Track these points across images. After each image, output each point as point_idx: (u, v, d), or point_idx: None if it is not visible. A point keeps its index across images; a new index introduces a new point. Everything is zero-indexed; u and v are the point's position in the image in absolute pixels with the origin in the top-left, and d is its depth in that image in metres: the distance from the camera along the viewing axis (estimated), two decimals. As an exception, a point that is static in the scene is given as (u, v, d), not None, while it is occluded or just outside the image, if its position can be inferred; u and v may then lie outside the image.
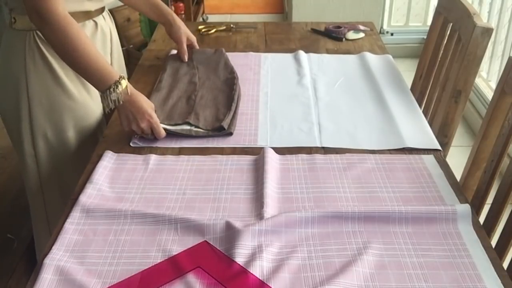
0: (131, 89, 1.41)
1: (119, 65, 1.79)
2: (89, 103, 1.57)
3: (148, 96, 1.63)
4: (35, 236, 1.76)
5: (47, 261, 1.04)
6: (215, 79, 1.74)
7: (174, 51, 1.94)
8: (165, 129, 1.46)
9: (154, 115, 1.42)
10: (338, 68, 1.87)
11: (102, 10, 1.62)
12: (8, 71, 1.52)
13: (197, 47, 1.93)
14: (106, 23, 1.65)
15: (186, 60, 1.86)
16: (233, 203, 1.22)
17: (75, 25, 1.36)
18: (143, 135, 1.43)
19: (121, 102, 1.39)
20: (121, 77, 1.39)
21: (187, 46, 1.88)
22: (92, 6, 1.52)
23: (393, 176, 1.31)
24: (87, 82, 1.48)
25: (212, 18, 4.92)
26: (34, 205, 1.69)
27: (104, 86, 1.38)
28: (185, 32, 1.87)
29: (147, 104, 1.43)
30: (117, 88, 1.37)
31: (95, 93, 1.52)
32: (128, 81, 1.73)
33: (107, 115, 1.59)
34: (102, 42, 1.63)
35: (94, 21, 1.58)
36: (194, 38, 1.91)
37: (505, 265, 1.18)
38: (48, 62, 1.49)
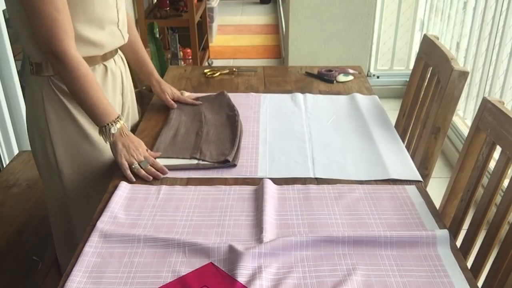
0: (126, 129, 1.46)
1: (132, 105, 1.78)
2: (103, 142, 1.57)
3: (159, 132, 1.65)
4: (59, 258, 1.74)
5: (69, 283, 1.05)
6: (219, 117, 1.76)
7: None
8: (175, 166, 1.47)
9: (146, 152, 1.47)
10: (330, 107, 1.87)
11: (112, 54, 1.59)
12: (32, 114, 1.52)
13: (185, 97, 1.88)
14: (117, 66, 1.62)
15: (175, 107, 1.83)
16: (236, 228, 1.23)
17: (85, 66, 1.40)
18: (138, 170, 1.42)
19: (123, 136, 1.44)
20: (118, 117, 1.45)
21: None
22: (96, 52, 1.50)
23: (379, 204, 1.32)
24: None
25: (216, 63, 4.95)
26: (57, 228, 1.66)
27: (102, 122, 1.43)
28: (165, 87, 1.86)
29: (140, 142, 1.48)
30: (114, 125, 1.43)
31: None
32: (142, 119, 1.76)
33: None
34: (113, 84, 1.61)
35: (104, 65, 1.56)
36: (176, 91, 1.88)
37: (480, 284, 1.18)
38: (65, 106, 1.48)
